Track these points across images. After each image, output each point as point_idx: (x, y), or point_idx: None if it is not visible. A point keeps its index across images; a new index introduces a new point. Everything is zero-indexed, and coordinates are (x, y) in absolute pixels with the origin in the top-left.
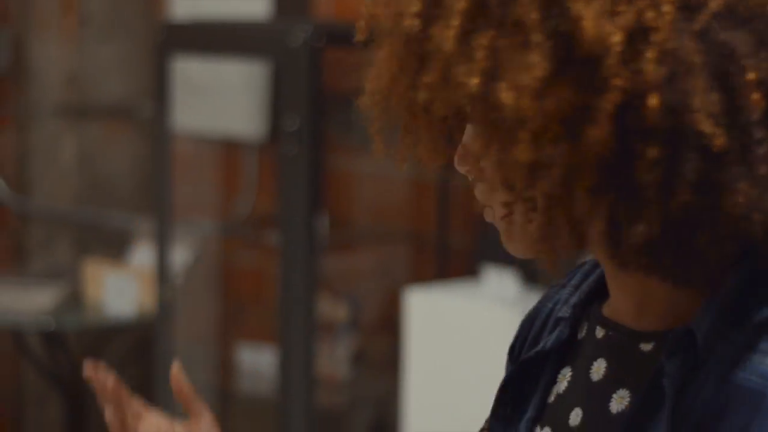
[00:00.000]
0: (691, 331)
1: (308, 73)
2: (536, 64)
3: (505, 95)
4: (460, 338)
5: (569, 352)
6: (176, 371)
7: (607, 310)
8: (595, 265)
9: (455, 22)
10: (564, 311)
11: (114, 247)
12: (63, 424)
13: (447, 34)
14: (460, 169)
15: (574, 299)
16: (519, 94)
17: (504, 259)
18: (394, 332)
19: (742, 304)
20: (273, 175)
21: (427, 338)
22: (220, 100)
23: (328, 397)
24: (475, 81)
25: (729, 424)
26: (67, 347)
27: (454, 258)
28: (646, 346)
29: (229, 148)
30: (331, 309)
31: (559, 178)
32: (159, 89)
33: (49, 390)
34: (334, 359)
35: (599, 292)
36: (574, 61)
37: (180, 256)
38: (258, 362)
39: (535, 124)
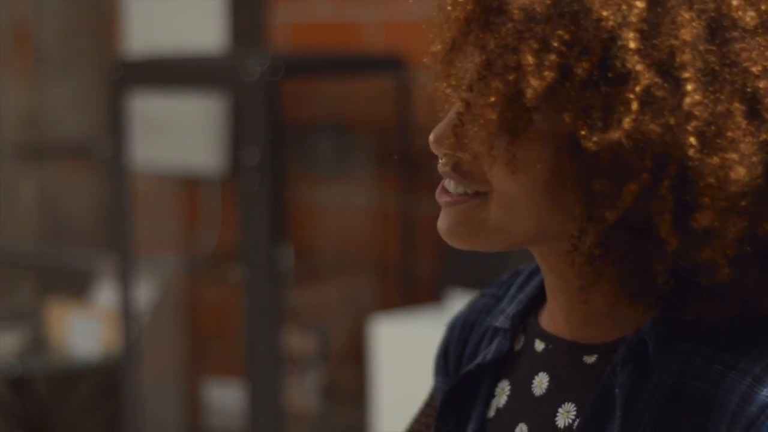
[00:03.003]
0: (644, 340)
1: (266, 105)
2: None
3: (738, 170)
4: (428, 365)
5: (505, 364)
6: None
7: (546, 322)
8: (531, 275)
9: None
10: (503, 322)
11: (77, 287)
12: None
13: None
14: (443, 149)
15: (512, 309)
16: (751, 170)
17: (469, 283)
18: (363, 362)
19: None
20: (235, 209)
21: (395, 366)
22: (180, 135)
23: (298, 430)
24: (692, 141)
25: (682, 430)
26: (34, 391)
27: (420, 285)
28: (589, 359)
29: (190, 183)
30: (299, 341)
31: (718, 244)
32: (116, 126)
33: None
34: (303, 392)
35: (534, 303)
36: None
37: (144, 293)
38: (226, 397)
39: (746, 200)
